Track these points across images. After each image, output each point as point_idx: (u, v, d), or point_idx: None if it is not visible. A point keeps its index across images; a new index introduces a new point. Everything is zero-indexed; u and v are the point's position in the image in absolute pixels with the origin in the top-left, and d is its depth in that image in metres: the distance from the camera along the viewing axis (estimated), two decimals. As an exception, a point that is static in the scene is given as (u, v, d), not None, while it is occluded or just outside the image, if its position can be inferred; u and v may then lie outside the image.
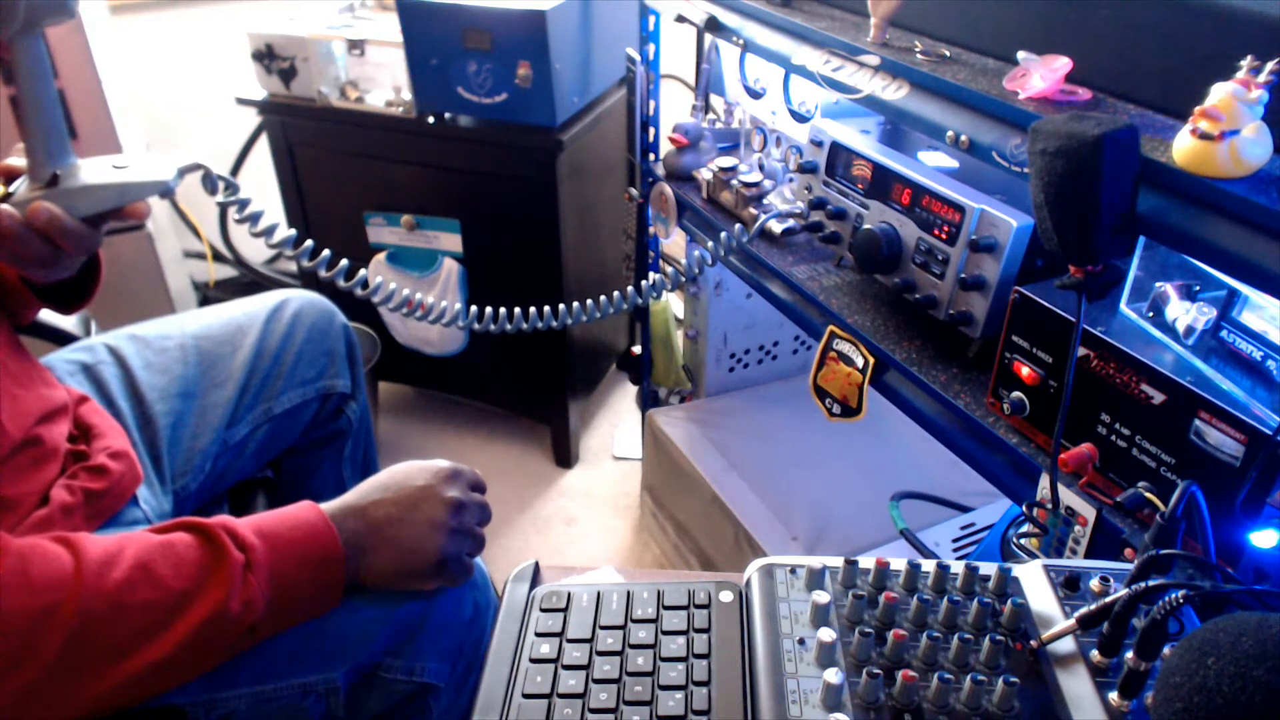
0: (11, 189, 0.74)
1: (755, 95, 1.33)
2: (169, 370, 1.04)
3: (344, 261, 1.01)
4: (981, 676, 0.52)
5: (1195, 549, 0.64)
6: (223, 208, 0.92)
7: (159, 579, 0.67)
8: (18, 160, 0.77)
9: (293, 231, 0.96)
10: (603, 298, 1.16)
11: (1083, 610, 0.54)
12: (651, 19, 1.37)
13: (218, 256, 2.33)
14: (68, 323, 1.22)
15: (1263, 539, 0.66)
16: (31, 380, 0.85)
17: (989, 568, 0.60)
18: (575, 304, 1.15)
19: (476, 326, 1.12)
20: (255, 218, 0.93)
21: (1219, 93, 0.66)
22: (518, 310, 1.13)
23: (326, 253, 1.00)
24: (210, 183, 0.87)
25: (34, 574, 0.63)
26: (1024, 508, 0.79)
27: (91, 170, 0.76)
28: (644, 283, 1.20)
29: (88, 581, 0.64)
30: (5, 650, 0.61)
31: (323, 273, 0.99)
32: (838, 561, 0.61)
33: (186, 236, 2.29)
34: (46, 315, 1.15)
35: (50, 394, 0.86)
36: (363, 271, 1.03)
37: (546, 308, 1.14)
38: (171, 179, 0.78)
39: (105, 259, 0.92)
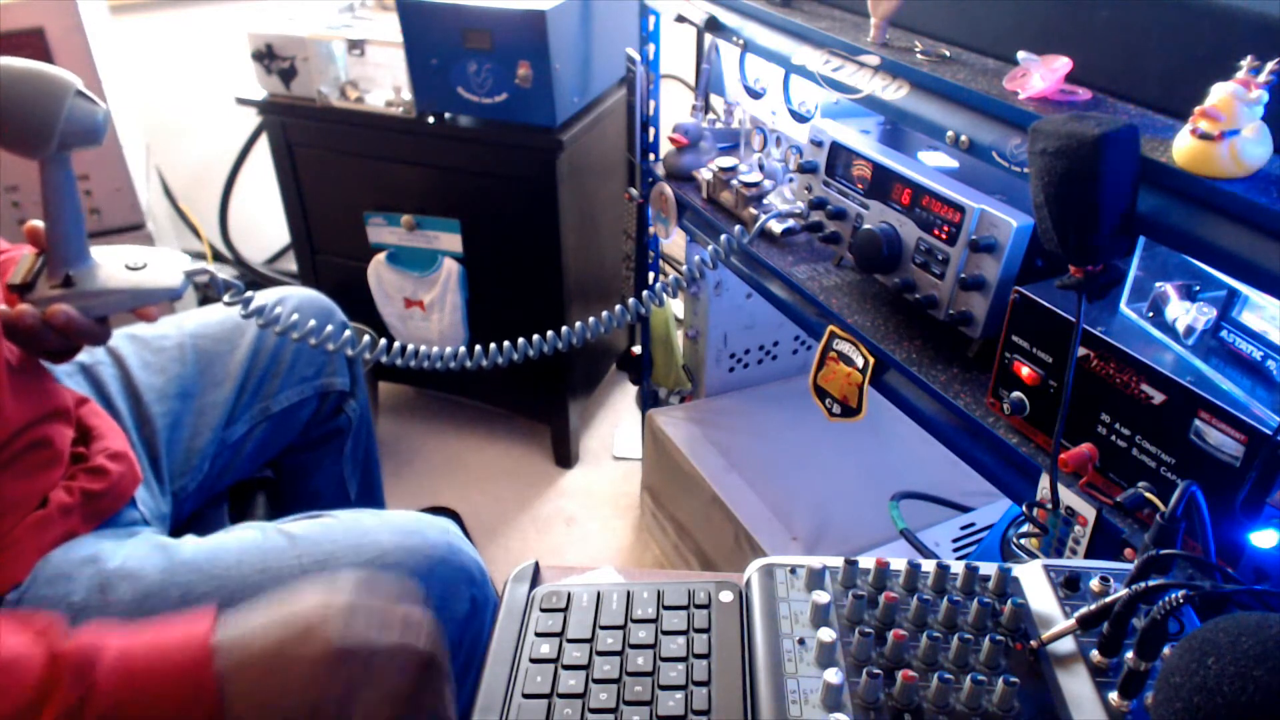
0: (29, 277, 0.81)
1: (755, 95, 1.33)
2: (167, 370, 1.03)
3: (382, 341, 1.04)
4: (981, 676, 0.52)
5: (1195, 549, 0.63)
6: (249, 314, 0.97)
7: None
8: (39, 223, 0.81)
9: (313, 323, 0.99)
10: (605, 313, 1.14)
11: (1083, 610, 0.54)
12: (651, 19, 1.37)
13: (218, 256, 2.33)
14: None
15: (1263, 539, 0.66)
16: (40, 381, 0.85)
17: (989, 568, 0.60)
18: (579, 324, 1.14)
19: (480, 364, 1.11)
20: (261, 310, 0.96)
21: (1219, 93, 0.66)
22: (521, 340, 1.13)
23: (366, 339, 1.04)
24: (217, 288, 0.91)
25: None
26: (1024, 508, 0.79)
27: (106, 271, 0.83)
28: (645, 293, 1.19)
29: None
30: None
31: (367, 355, 1.03)
32: (838, 561, 0.61)
33: (186, 236, 2.29)
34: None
35: (56, 396, 0.86)
36: (382, 342, 1.04)
37: (550, 333, 1.13)
38: (180, 285, 0.85)
39: None
